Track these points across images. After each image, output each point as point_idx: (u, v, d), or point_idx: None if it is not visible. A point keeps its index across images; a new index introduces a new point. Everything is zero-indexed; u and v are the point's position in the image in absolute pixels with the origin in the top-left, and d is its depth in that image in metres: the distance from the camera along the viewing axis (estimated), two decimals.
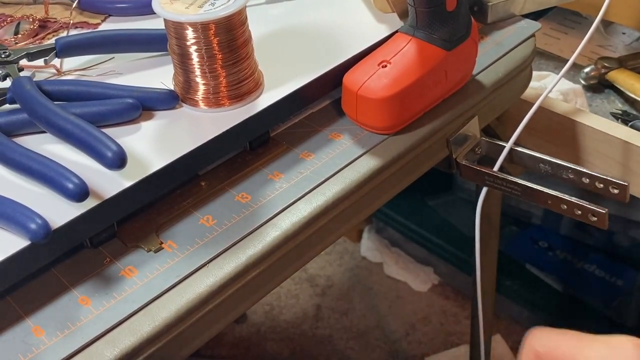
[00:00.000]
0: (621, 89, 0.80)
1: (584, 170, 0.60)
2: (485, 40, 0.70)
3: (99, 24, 0.69)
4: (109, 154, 0.48)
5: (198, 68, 0.54)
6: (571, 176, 0.61)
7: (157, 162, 0.51)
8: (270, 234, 0.50)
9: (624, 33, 0.90)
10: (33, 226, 0.44)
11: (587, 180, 0.60)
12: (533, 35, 0.71)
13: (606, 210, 0.56)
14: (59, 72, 0.62)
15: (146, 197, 0.51)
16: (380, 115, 0.57)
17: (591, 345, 0.35)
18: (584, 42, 0.61)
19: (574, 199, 0.56)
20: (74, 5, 0.70)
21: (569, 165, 0.61)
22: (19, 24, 0.69)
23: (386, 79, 0.56)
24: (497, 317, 1.34)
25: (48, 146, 0.53)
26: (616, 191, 0.59)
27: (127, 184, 0.49)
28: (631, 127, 0.75)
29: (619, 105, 0.80)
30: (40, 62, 0.59)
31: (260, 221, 0.51)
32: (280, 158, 0.56)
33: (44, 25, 0.69)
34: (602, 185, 0.59)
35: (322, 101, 0.62)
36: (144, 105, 0.55)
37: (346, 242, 1.58)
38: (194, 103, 0.56)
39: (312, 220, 0.52)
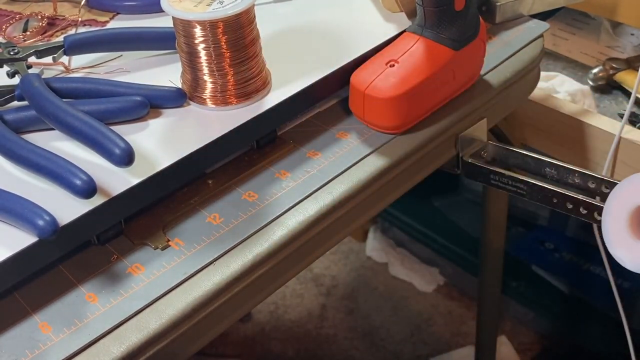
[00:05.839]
0: (629, 90, 0.80)
1: (590, 173, 0.60)
2: (494, 40, 0.69)
3: (107, 21, 0.69)
4: (117, 151, 0.48)
5: (206, 66, 0.54)
6: (577, 180, 0.61)
7: (164, 159, 0.51)
8: (277, 233, 0.50)
9: (632, 34, 0.90)
10: (41, 223, 0.44)
11: (593, 185, 0.60)
12: (541, 36, 0.71)
13: None
14: (67, 69, 0.62)
15: (153, 195, 0.51)
16: (387, 114, 0.57)
17: None
18: None
19: (580, 197, 0.56)
20: (82, 3, 0.70)
21: (575, 169, 0.61)
22: (27, 21, 0.69)
23: (394, 78, 0.56)
24: (502, 318, 1.34)
25: (56, 143, 0.53)
26: None
27: (135, 181, 0.49)
28: (639, 128, 0.75)
29: (627, 107, 0.79)
30: (48, 59, 0.60)
31: (267, 220, 0.51)
32: (287, 157, 0.56)
33: (52, 22, 0.69)
34: (608, 190, 0.59)
35: (329, 100, 0.62)
36: (152, 103, 0.55)
37: (351, 241, 1.57)
38: (201, 101, 0.56)
39: (318, 219, 0.52)
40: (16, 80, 0.57)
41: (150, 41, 0.62)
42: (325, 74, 0.58)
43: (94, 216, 0.47)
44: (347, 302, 1.44)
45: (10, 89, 0.56)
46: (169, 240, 0.50)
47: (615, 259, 0.52)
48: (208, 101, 0.56)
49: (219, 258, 0.48)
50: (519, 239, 1.32)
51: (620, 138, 0.72)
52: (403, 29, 0.61)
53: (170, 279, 0.47)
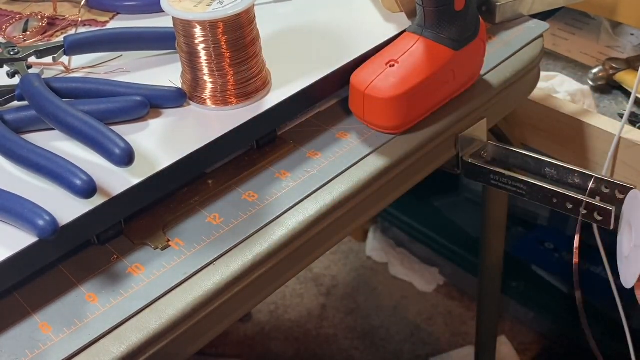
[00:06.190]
0: (629, 90, 0.80)
1: (590, 173, 0.60)
2: (493, 40, 0.69)
3: (107, 21, 0.69)
4: (117, 151, 0.48)
5: (206, 66, 0.54)
6: (577, 180, 0.61)
7: (164, 160, 0.51)
8: (277, 233, 0.50)
9: (632, 34, 0.90)
10: (41, 223, 0.44)
11: (593, 185, 0.60)
12: (541, 36, 0.71)
13: (613, 207, 0.55)
14: (68, 69, 0.62)
15: (153, 195, 0.51)
16: (387, 114, 0.57)
17: None
18: None
19: (580, 196, 0.56)
20: (82, 3, 0.70)
21: (575, 169, 0.61)
22: (27, 21, 0.70)
23: (394, 78, 0.56)
24: (502, 318, 1.34)
25: (56, 143, 0.53)
26: (622, 195, 0.58)
27: (135, 181, 0.49)
28: (639, 128, 0.75)
29: (627, 107, 0.79)
30: (48, 59, 0.60)
31: (267, 220, 0.51)
32: (287, 157, 0.56)
33: (52, 22, 0.70)
34: (608, 190, 0.59)
35: (329, 100, 0.62)
36: (152, 103, 0.55)
37: (351, 241, 1.58)
38: (201, 101, 0.56)
39: (318, 219, 0.52)
40: (16, 80, 0.57)
41: (150, 41, 0.62)
42: (325, 74, 0.58)
43: (94, 216, 0.47)
44: (347, 302, 1.44)
45: (10, 89, 0.56)
46: (169, 240, 0.50)
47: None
48: (208, 101, 0.56)
49: (219, 258, 0.48)
50: (519, 239, 1.32)
51: (620, 138, 0.72)
52: (403, 29, 0.61)
53: (170, 279, 0.47)
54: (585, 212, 0.57)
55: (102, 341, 0.44)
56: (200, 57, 0.54)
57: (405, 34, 0.60)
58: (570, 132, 0.76)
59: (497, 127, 0.77)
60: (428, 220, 1.44)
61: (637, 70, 0.72)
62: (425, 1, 0.56)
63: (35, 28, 0.68)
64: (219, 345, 1.36)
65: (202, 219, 0.51)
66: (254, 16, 0.55)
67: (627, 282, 0.52)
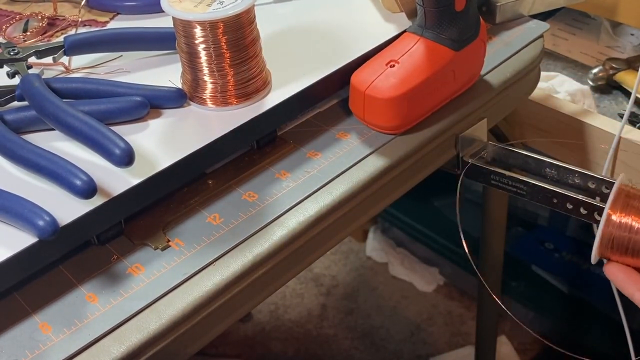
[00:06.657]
0: (629, 90, 0.80)
1: (590, 173, 0.60)
2: (494, 40, 0.69)
3: (107, 22, 0.69)
4: (117, 152, 0.48)
5: (206, 66, 0.54)
6: (577, 180, 0.61)
7: (164, 160, 0.51)
8: (277, 233, 0.50)
9: (632, 34, 0.90)
10: (41, 223, 0.44)
11: (593, 185, 0.60)
12: (541, 36, 0.71)
13: None
14: (68, 69, 0.62)
15: (153, 195, 0.51)
16: (387, 114, 0.57)
17: None
18: None
19: (580, 197, 0.56)
20: (82, 3, 0.70)
21: (575, 169, 0.61)
22: (27, 21, 0.70)
23: (394, 78, 0.56)
24: (502, 318, 1.34)
25: (56, 143, 0.53)
26: None
27: (135, 181, 0.49)
28: (639, 128, 0.75)
29: (627, 107, 0.79)
30: (48, 59, 0.60)
31: (267, 220, 0.51)
32: (287, 157, 0.56)
33: (52, 23, 0.70)
34: (608, 190, 0.59)
35: (329, 100, 0.62)
36: (152, 103, 0.55)
37: (351, 242, 1.58)
38: (201, 101, 0.56)
39: (318, 219, 0.52)
40: (16, 80, 0.57)
41: (150, 41, 0.62)
42: (326, 74, 0.58)
43: (94, 216, 0.47)
44: (347, 302, 1.44)
45: (10, 89, 0.56)
46: (169, 241, 0.50)
47: None
48: (208, 101, 0.56)
49: (219, 258, 0.48)
50: (519, 239, 1.32)
51: (620, 138, 0.72)
52: (403, 30, 0.61)
53: (170, 280, 0.47)
54: (585, 212, 0.57)
55: (102, 341, 0.44)
56: (200, 58, 0.54)
57: (405, 34, 0.60)
58: (570, 132, 0.76)
59: (497, 127, 0.77)
60: (428, 220, 1.44)
61: (637, 70, 0.72)
62: (425, 1, 0.56)
63: (35, 28, 0.68)
64: (219, 345, 1.36)
65: (202, 219, 0.51)
66: (254, 16, 0.55)
67: (593, 258, 0.53)
